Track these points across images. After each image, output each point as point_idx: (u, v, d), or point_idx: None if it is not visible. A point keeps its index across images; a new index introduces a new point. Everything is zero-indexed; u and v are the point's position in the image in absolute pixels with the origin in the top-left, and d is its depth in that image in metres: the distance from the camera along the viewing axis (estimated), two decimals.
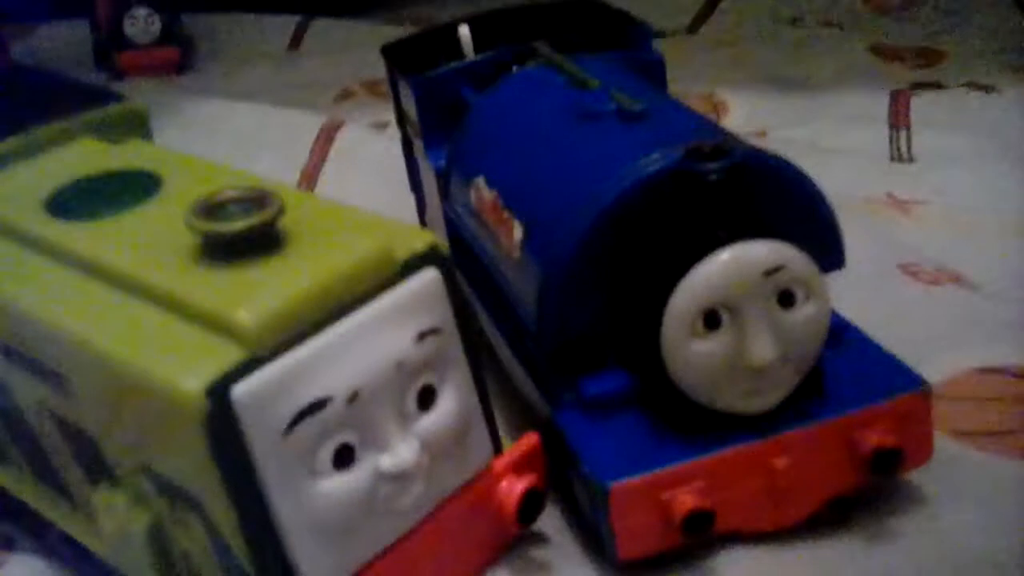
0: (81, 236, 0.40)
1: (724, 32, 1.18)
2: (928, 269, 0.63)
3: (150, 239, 0.39)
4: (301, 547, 0.35)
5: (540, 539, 0.44)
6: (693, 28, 1.21)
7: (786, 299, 0.39)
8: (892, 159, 0.80)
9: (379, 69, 0.66)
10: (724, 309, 0.39)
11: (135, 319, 0.36)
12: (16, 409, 0.42)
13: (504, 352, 0.50)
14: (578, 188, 0.42)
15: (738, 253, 0.39)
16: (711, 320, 0.39)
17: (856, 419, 0.41)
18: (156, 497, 0.37)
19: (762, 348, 0.39)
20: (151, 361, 0.34)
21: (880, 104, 0.87)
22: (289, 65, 1.19)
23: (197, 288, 0.36)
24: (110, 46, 1.15)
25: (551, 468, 0.43)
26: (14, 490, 0.45)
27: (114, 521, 0.38)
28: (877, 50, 1.06)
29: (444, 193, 0.56)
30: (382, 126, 0.91)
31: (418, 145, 0.60)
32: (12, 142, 0.47)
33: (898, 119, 0.85)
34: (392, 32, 1.05)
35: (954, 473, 0.45)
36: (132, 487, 0.38)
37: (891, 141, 0.82)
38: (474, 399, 0.40)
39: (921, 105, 0.87)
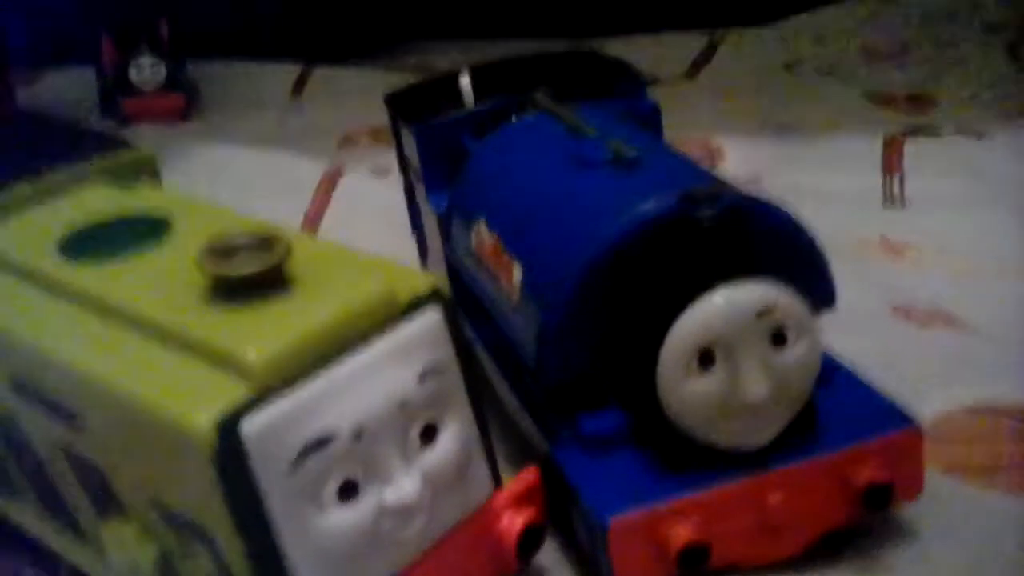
0: (93, 277, 0.41)
1: (720, 79, 1.19)
2: (921, 310, 0.64)
3: (160, 280, 0.40)
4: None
5: (538, 573, 0.45)
6: (690, 75, 1.22)
7: (779, 339, 0.40)
8: (885, 203, 0.81)
9: (381, 116, 0.67)
10: (718, 349, 0.40)
11: (146, 357, 0.37)
12: (28, 444, 0.43)
13: (504, 390, 0.51)
14: (576, 232, 0.44)
15: (732, 295, 0.40)
16: (705, 359, 0.40)
17: (848, 455, 0.42)
18: (165, 530, 0.38)
19: (755, 386, 0.40)
20: (161, 397, 0.35)
21: (873, 149, 0.89)
22: (292, 112, 1.20)
23: (206, 327, 0.37)
24: (116, 93, 1.17)
25: (550, 503, 0.44)
26: (24, 523, 0.46)
27: (123, 554, 0.39)
28: (870, 96, 1.07)
29: (445, 236, 0.57)
30: (384, 172, 0.92)
31: (420, 190, 0.61)
32: (26, 187, 0.48)
33: (891, 164, 0.86)
34: (393, 80, 1.06)
35: (945, 509, 0.46)
36: (141, 520, 0.39)
37: (884, 185, 0.83)
38: (475, 435, 0.41)
39: (913, 150, 0.88)
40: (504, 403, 0.51)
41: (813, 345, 0.41)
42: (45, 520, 0.45)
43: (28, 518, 0.46)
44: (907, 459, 0.43)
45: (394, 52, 1.38)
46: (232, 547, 0.35)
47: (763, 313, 0.40)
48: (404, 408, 0.37)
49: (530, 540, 0.42)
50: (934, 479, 0.47)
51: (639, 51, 1.17)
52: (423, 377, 0.38)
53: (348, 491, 0.36)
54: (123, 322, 0.39)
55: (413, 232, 0.67)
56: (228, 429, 0.33)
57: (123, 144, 0.53)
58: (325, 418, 0.35)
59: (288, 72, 1.29)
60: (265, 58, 1.33)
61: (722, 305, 0.40)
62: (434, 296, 0.40)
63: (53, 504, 0.44)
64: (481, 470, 0.42)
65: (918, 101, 1.05)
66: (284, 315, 0.37)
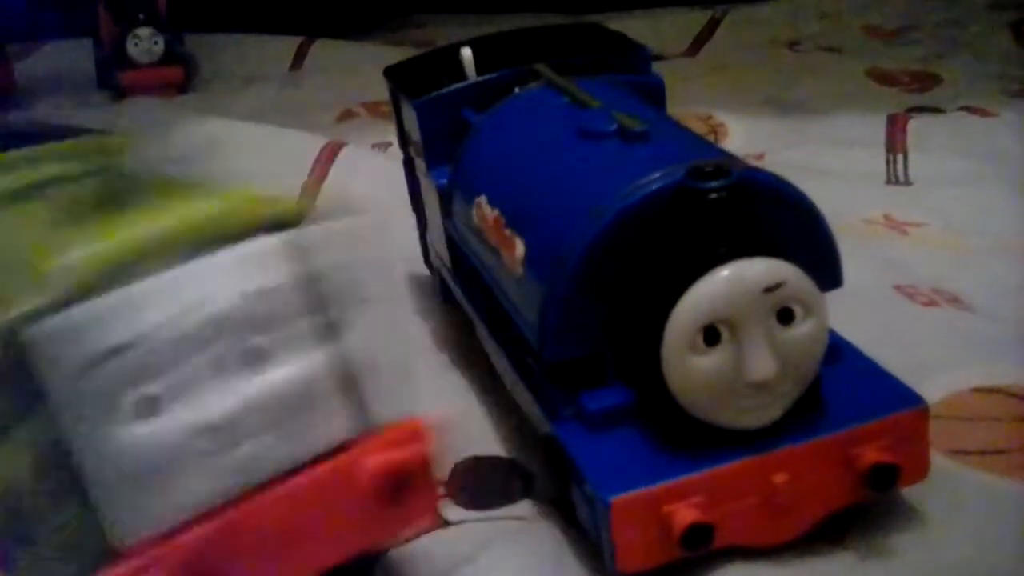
0: None
1: (723, 55, 1.18)
2: (924, 290, 0.63)
3: (29, 217, 0.41)
4: (104, 494, 0.35)
5: (539, 552, 0.45)
6: (693, 51, 1.22)
7: (785, 316, 0.40)
8: (889, 182, 0.80)
9: (380, 90, 0.67)
10: (724, 325, 0.39)
11: None
12: None
13: (505, 368, 0.50)
14: (580, 206, 0.43)
15: (738, 270, 0.39)
16: (711, 336, 0.40)
17: (854, 435, 0.42)
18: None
19: (761, 364, 0.39)
20: None
21: (877, 127, 0.88)
22: (291, 86, 1.20)
23: (26, 242, 0.37)
24: (113, 65, 1.16)
25: (558, 481, 0.43)
26: None
27: None
28: (874, 74, 1.07)
29: (446, 211, 0.56)
30: (383, 146, 0.92)
31: (420, 164, 0.60)
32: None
33: (895, 142, 0.85)
34: (393, 54, 1.06)
35: (950, 491, 0.46)
36: None
37: (888, 164, 0.82)
38: (322, 373, 0.39)
39: (918, 129, 0.87)
40: (505, 380, 0.51)
41: (820, 323, 0.41)
42: None
43: None
44: (913, 440, 0.43)
45: (394, 26, 1.38)
46: (26, 458, 0.35)
47: (770, 289, 0.39)
48: (220, 324, 0.36)
49: (396, 482, 0.40)
50: (939, 461, 0.46)
51: (640, 27, 1.16)
52: (246, 296, 0.36)
53: (149, 405, 0.35)
54: None
55: (412, 207, 0.66)
56: (11, 337, 0.33)
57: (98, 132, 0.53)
58: (123, 327, 0.34)
59: (287, 45, 1.29)
60: (264, 31, 1.32)
61: (729, 280, 0.39)
62: (285, 223, 0.38)
63: None
64: (336, 412, 0.39)
65: (922, 79, 1.05)
66: (107, 229, 0.36)
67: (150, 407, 0.35)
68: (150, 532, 0.35)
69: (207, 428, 0.36)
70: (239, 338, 0.37)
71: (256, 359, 0.37)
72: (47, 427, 0.34)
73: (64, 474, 0.35)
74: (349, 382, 0.40)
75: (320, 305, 0.39)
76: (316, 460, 0.39)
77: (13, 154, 0.49)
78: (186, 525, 0.36)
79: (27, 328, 0.33)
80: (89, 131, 0.54)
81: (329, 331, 0.39)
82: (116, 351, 0.34)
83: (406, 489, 0.40)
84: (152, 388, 0.35)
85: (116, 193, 0.38)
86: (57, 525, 0.36)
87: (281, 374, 0.37)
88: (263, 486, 0.38)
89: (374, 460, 0.39)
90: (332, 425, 0.39)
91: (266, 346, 0.37)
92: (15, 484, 0.37)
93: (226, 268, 0.37)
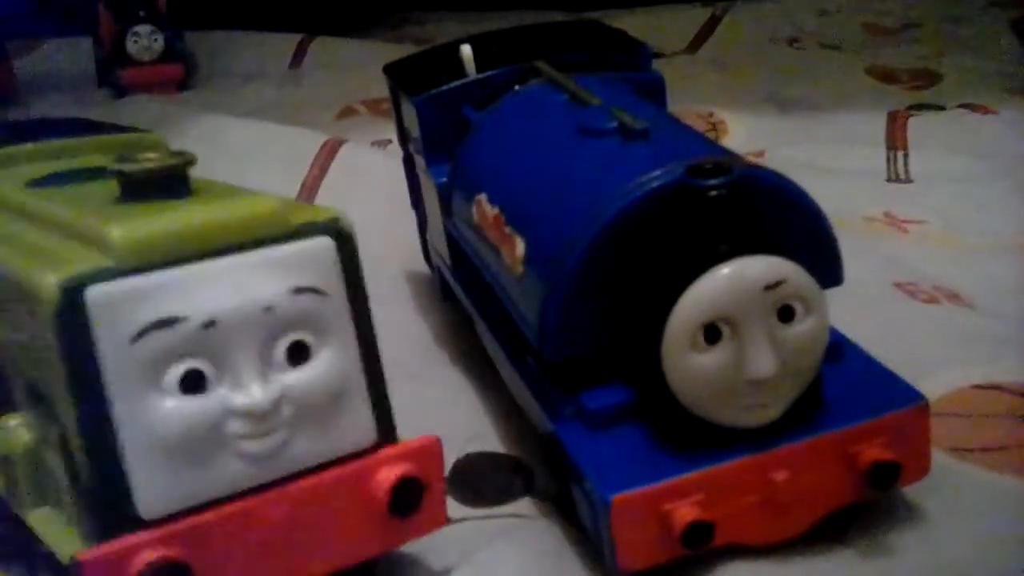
0: (33, 195, 0.43)
1: (723, 53, 1.18)
2: (925, 287, 0.63)
3: (84, 195, 0.42)
4: (138, 461, 0.35)
5: (539, 550, 0.45)
6: (693, 49, 1.21)
7: (786, 314, 0.40)
8: (889, 179, 0.80)
9: (380, 87, 0.67)
10: (724, 323, 0.39)
11: (41, 244, 0.39)
12: None
13: (505, 366, 0.50)
14: (580, 204, 0.43)
15: (739, 268, 0.39)
16: (711, 334, 0.39)
17: (854, 433, 0.42)
18: (36, 417, 0.39)
19: (762, 362, 0.39)
20: (32, 266, 0.36)
21: (878, 125, 0.88)
22: (290, 83, 1.20)
23: (93, 216, 0.38)
24: (113, 63, 1.16)
25: (558, 479, 0.43)
26: None
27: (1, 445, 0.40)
28: (875, 72, 1.07)
29: (446, 209, 0.56)
30: (383, 144, 0.92)
31: (420, 162, 0.60)
32: (28, 148, 0.50)
33: (895, 140, 0.85)
34: (393, 51, 1.06)
35: (951, 489, 0.46)
36: (25, 412, 0.40)
37: (888, 161, 0.82)
38: (356, 375, 0.40)
39: (918, 126, 0.87)
40: (506, 379, 0.51)
41: (821, 321, 0.41)
42: None
43: None
44: (914, 438, 0.43)
45: (394, 23, 1.38)
46: (69, 416, 0.35)
47: (771, 287, 0.39)
48: (269, 314, 0.37)
49: (405, 496, 0.41)
50: (940, 459, 0.46)
51: (640, 24, 1.16)
52: (297, 291, 0.38)
53: (193, 382, 0.36)
54: (37, 223, 0.41)
55: (412, 205, 0.66)
56: (72, 292, 0.34)
57: (131, 129, 0.54)
58: (175, 301, 0.36)
59: (287, 43, 1.29)
60: (264, 28, 1.32)
61: (729, 278, 0.39)
62: (331, 228, 0.39)
63: None
64: (362, 416, 0.40)
65: (922, 77, 1.05)
66: (166, 210, 0.38)
67: (194, 385, 0.36)
68: (171, 507, 0.36)
69: (244, 412, 0.37)
70: (288, 331, 0.38)
71: (300, 354, 0.38)
72: (79, 389, 0.35)
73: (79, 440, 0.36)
74: (376, 391, 0.41)
75: (357, 308, 0.40)
76: (337, 462, 0.40)
77: (56, 143, 0.51)
78: (201, 507, 0.37)
79: (88, 288, 0.35)
80: (123, 128, 0.55)
81: (361, 335, 0.40)
82: (168, 322, 0.35)
83: (417, 502, 0.41)
84: (199, 365, 0.36)
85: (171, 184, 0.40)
86: (65, 488, 0.37)
87: (318, 369, 0.39)
88: (284, 479, 0.39)
89: (390, 472, 0.40)
90: (358, 429, 0.41)
91: (311, 343, 0.38)
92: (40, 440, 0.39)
93: (280, 262, 0.38)
